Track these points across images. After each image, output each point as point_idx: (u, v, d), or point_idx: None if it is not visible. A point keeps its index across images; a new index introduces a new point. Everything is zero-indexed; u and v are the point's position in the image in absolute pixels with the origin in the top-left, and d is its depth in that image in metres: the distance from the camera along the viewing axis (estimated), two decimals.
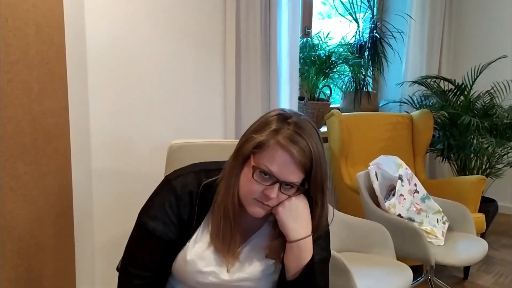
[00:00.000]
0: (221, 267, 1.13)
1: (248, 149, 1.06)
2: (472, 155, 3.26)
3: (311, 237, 1.09)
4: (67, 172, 2.01)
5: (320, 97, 3.39)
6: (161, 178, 1.21)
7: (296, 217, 1.07)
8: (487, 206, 3.22)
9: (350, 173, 3.00)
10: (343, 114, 3.09)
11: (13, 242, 1.51)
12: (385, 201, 2.24)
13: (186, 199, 1.13)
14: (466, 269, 2.93)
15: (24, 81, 1.57)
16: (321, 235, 1.16)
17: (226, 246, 1.12)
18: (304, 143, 1.03)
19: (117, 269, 1.42)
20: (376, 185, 2.25)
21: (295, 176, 1.04)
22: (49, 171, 1.80)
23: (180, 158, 1.71)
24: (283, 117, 1.06)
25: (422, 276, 2.42)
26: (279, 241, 1.12)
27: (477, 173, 3.28)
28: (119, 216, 2.43)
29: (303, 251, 1.08)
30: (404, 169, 2.36)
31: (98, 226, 2.37)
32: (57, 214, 1.90)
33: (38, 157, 1.69)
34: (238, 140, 1.13)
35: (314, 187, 1.07)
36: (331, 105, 3.39)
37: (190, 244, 1.13)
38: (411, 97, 3.58)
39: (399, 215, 2.24)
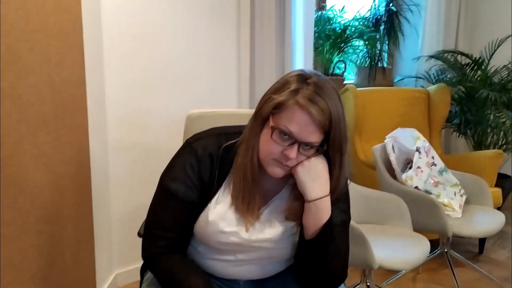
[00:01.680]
0: (242, 227, 1.14)
1: (267, 110, 1.06)
2: (489, 129, 3.23)
3: (329, 197, 1.09)
4: (85, 143, 2.03)
5: (334, 72, 3.36)
6: (175, 151, 1.21)
7: (314, 177, 1.07)
8: (503, 182, 3.19)
9: (365, 149, 2.99)
10: (358, 89, 3.07)
11: (36, 209, 1.54)
12: (402, 174, 2.23)
13: (207, 161, 1.13)
14: (481, 244, 2.93)
15: (44, 51, 1.58)
16: (340, 198, 1.16)
17: (246, 205, 1.13)
18: (324, 103, 1.02)
19: (139, 234, 1.44)
20: (392, 157, 2.24)
21: (314, 137, 1.04)
22: (68, 141, 1.81)
23: (197, 127, 1.70)
24: (303, 77, 1.06)
25: (438, 248, 2.42)
26: (299, 202, 1.12)
27: (493, 149, 3.25)
28: (134, 188, 2.46)
29: (321, 211, 1.08)
30: (422, 142, 2.34)
31: (115, 198, 2.40)
32: (76, 184, 1.92)
33: (58, 127, 1.71)
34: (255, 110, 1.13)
35: (332, 148, 1.06)
36: (345, 81, 3.36)
37: (211, 205, 1.14)
38: (427, 72, 3.54)
39: (416, 187, 2.23)
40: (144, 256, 1.19)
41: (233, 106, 2.74)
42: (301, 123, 1.02)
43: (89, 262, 2.11)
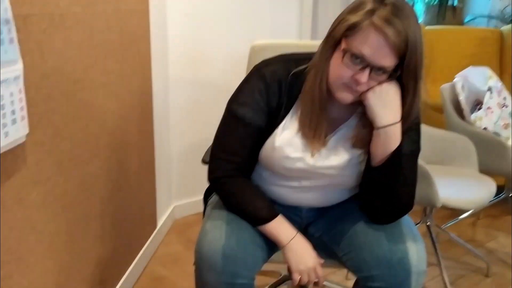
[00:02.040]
0: (308, 153, 1.14)
1: (340, 32, 1.02)
2: None
3: (399, 124, 1.06)
4: (148, 75, 2.06)
5: None
6: (236, 85, 1.20)
7: (385, 102, 1.04)
8: None
9: (430, 90, 2.87)
10: (426, 28, 2.91)
11: (105, 135, 1.59)
12: (471, 114, 2.13)
13: (275, 87, 1.12)
14: None
15: None
16: (412, 127, 1.12)
17: (313, 132, 1.11)
18: (401, 25, 0.97)
19: (203, 161, 1.48)
20: (462, 97, 2.14)
21: (388, 60, 0.99)
22: (133, 72, 1.85)
23: (261, 59, 1.69)
24: None
25: (503, 193, 2.34)
26: (367, 130, 1.10)
27: None
28: (194, 123, 2.50)
29: (390, 138, 1.05)
30: (494, 81, 2.21)
31: (174, 132, 2.46)
32: (140, 115, 1.98)
33: (124, 56, 1.74)
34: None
35: (407, 73, 1.02)
36: None
37: (278, 131, 1.14)
38: (501, 11, 3.29)
39: (485, 128, 2.13)
40: (210, 178, 1.21)
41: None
42: (375, 46, 0.98)
43: (151, 192, 2.20)
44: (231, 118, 1.16)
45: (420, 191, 1.62)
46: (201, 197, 1.39)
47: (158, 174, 2.27)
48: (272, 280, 1.72)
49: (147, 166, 2.13)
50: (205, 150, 1.54)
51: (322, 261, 1.18)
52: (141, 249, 2.07)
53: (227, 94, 1.20)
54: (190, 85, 2.44)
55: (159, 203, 2.31)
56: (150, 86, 2.10)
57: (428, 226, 1.95)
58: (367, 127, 1.10)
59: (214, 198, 1.32)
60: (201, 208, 1.41)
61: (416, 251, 1.10)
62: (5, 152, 1.03)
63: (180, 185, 2.55)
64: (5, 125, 0.99)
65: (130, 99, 1.84)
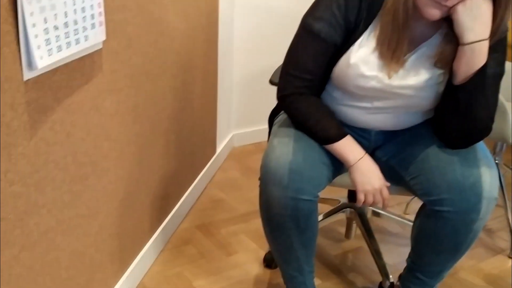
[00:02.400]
0: (383, 73, 1.10)
1: None
2: None
3: (487, 42, 1.00)
4: None
5: None
6: (302, 14, 1.15)
7: (475, 17, 0.98)
8: None
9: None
10: None
11: (173, 53, 1.61)
12: None
13: (355, 0, 1.07)
14: None
15: None
16: (498, 48, 1.06)
17: (391, 52, 1.07)
18: None
19: (270, 81, 1.46)
20: None
21: None
22: None
23: None
24: None
25: None
26: (451, 47, 1.04)
27: None
28: (257, 52, 2.47)
29: (476, 55, 1.00)
30: None
31: (237, 59, 2.45)
32: (206, 37, 1.97)
33: None
34: None
35: None
36: None
37: (354, 47, 1.10)
38: None
39: None
40: (279, 96, 1.20)
41: None
42: None
43: (212, 117, 2.23)
44: (306, 33, 1.12)
45: (494, 125, 1.55)
46: (260, 127, 1.38)
47: (220, 100, 2.29)
48: (330, 208, 1.74)
49: (210, 91, 2.15)
50: (267, 79, 1.52)
51: (388, 184, 1.17)
52: (201, 171, 2.13)
53: (294, 23, 1.15)
54: (255, 11, 2.39)
55: (219, 129, 2.35)
56: (217, 8, 2.08)
57: (496, 164, 1.87)
58: (451, 45, 1.04)
59: (281, 117, 1.31)
60: (259, 138, 1.41)
61: (489, 177, 1.06)
62: (84, 57, 1.06)
63: (240, 115, 2.57)
64: (85, 29, 1.01)
65: (197, 20, 1.83)
